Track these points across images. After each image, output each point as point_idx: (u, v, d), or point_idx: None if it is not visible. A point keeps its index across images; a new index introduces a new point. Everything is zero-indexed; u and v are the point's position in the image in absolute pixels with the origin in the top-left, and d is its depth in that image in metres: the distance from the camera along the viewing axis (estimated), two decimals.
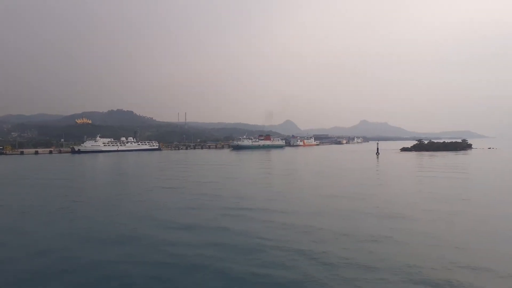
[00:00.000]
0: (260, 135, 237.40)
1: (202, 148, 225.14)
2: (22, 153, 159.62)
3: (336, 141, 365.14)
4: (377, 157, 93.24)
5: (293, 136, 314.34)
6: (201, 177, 49.42)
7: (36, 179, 49.73)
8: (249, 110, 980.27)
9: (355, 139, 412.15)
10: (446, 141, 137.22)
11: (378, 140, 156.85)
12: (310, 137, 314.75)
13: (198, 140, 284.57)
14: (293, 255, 15.61)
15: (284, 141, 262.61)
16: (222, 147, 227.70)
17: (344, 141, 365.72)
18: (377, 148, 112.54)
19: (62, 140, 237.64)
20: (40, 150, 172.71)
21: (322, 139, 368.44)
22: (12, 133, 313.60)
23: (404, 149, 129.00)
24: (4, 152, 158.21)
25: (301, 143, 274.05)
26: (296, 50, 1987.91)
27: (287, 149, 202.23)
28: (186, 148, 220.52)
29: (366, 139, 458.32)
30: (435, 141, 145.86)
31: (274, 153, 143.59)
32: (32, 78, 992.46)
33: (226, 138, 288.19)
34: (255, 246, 16.86)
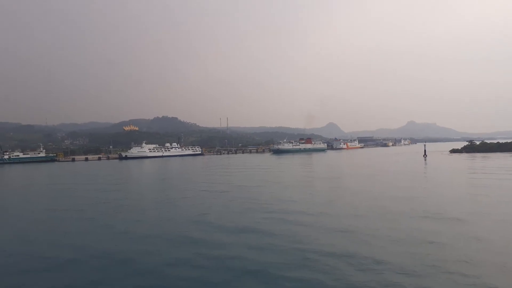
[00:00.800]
0: (301, 139, 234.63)
1: (243, 152, 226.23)
2: (73, 160, 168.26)
3: (382, 143, 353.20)
4: (425, 160, 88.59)
5: (335, 139, 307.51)
6: (243, 181, 49.18)
7: (90, 184, 52.25)
8: (290, 113, 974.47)
9: (402, 141, 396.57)
10: (500, 142, 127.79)
11: (426, 142, 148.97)
12: (354, 140, 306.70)
13: (240, 144, 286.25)
14: (343, 259, 15.35)
15: (326, 144, 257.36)
16: (263, 151, 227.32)
17: (390, 143, 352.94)
18: (424, 150, 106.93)
19: (111, 147, 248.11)
20: (89, 156, 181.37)
21: (367, 141, 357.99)
22: (65, 140, 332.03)
23: (454, 151, 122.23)
24: (57, 159, 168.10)
25: (344, 146, 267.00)
26: (334, 51, 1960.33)
27: (329, 152, 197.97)
28: (228, 153, 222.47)
29: (413, 141, 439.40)
30: (488, 141, 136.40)
31: (316, 156, 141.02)
32: (83, 87, 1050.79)
33: (267, 142, 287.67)
34: (300, 253, 16.41)
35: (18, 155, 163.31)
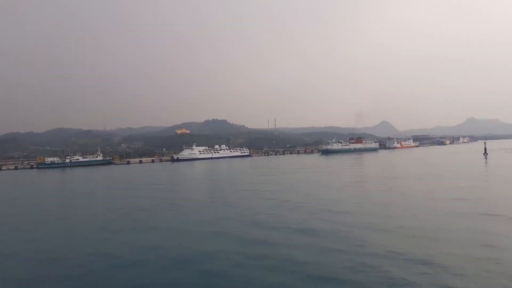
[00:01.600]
0: (351, 138, 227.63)
1: (291, 153, 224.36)
2: (128, 162, 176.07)
3: (438, 141, 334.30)
4: (485, 158, 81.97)
5: (388, 138, 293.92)
6: (290, 181, 48.17)
7: (146, 185, 54.59)
8: (340, 113, 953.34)
9: (461, 138, 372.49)
10: None
11: (488, 139, 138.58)
12: (408, 138, 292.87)
13: (287, 145, 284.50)
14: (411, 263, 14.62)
15: (377, 143, 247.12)
16: (312, 152, 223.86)
17: (448, 141, 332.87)
18: (485, 148, 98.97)
19: (164, 149, 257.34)
20: (143, 159, 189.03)
21: (422, 140, 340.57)
22: (122, 144, 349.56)
23: None
24: (114, 162, 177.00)
25: (398, 145, 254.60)
26: (386, 45, 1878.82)
27: (381, 152, 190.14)
28: (275, 154, 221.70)
29: (473, 139, 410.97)
30: None
31: (366, 156, 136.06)
32: (139, 92, 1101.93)
33: (316, 142, 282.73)
34: (364, 257, 15.65)
35: (78, 159, 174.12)
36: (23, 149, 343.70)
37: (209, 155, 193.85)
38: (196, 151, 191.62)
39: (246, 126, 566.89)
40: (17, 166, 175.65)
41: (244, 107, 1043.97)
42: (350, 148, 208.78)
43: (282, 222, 23.01)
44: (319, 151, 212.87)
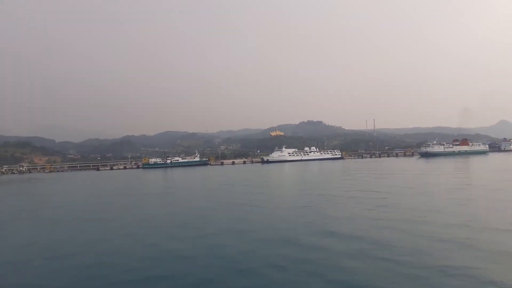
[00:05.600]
0: (455, 140, 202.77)
1: (388, 156, 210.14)
2: (222, 163, 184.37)
3: None
4: None
5: (504, 139, 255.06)
6: (378, 186, 43.74)
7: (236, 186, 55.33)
8: (448, 112, 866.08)
9: None
10: None
11: None
12: None
13: (386, 147, 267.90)
14: None
15: (487, 146, 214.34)
16: (412, 155, 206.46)
17: None
18: None
19: (258, 151, 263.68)
20: (236, 160, 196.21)
21: None
22: (221, 146, 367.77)
23: None
24: (209, 163, 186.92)
25: None
26: (495, 38, 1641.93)
27: (493, 155, 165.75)
28: (371, 156, 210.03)
29: None
30: None
31: (473, 160, 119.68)
32: (238, 96, 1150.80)
33: (418, 144, 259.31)
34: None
35: (177, 160, 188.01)
36: (136, 150, 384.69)
37: (299, 157, 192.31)
38: (286, 153, 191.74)
39: (342, 127, 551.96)
40: (125, 166, 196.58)
41: (341, 108, 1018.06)
42: (454, 151, 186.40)
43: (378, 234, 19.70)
44: (418, 153, 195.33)
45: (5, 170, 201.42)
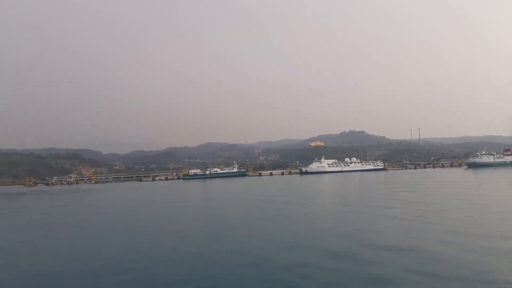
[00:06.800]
0: (506, 149, 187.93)
1: (433, 167, 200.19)
2: (260, 174, 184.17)
3: None
4: None
5: None
6: (425, 198, 41.30)
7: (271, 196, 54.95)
8: (501, 118, 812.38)
9: None
10: None
11: None
12: None
13: (432, 158, 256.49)
14: None
15: None
16: (459, 165, 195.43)
17: None
18: None
19: (297, 162, 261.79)
20: (274, 172, 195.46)
21: None
22: (260, 157, 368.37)
23: None
24: (247, 174, 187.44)
25: None
26: None
27: None
28: (415, 167, 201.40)
29: None
30: None
31: None
32: (277, 107, 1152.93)
33: (467, 154, 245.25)
34: None
35: (216, 171, 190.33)
36: (178, 161, 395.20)
37: (339, 168, 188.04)
38: (325, 164, 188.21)
39: (386, 137, 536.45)
40: (167, 177, 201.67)
41: (385, 116, 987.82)
42: (505, 161, 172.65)
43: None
44: (465, 164, 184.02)
45: (55, 181, 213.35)
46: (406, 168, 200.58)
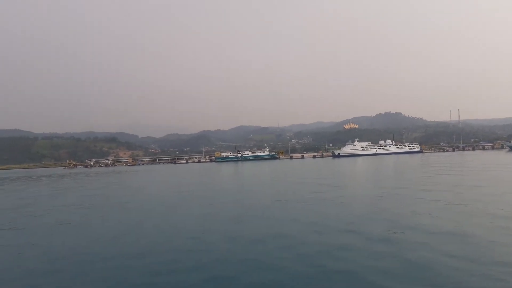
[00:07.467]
0: None
1: (473, 149, 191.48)
2: (291, 157, 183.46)
3: None
4: None
5: None
6: (465, 181, 39.02)
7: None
8: None
9: None
10: None
11: None
12: None
13: (471, 140, 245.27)
14: None
15: None
16: (501, 147, 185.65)
17: None
18: None
19: (330, 145, 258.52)
20: (305, 154, 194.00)
21: None
22: (292, 140, 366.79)
23: None
24: (278, 157, 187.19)
25: None
26: None
27: None
28: (453, 150, 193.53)
29: None
30: None
31: None
32: (311, 88, 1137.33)
33: (510, 136, 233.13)
34: None
35: (247, 154, 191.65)
36: (211, 144, 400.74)
37: (373, 151, 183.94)
38: (358, 147, 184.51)
39: (423, 118, 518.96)
40: (200, 160, 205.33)
41: (423, 97, 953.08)
42: None
43: None
44: (507, 146, 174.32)
45: (93, 163, 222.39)
46: (443, 151, 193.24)
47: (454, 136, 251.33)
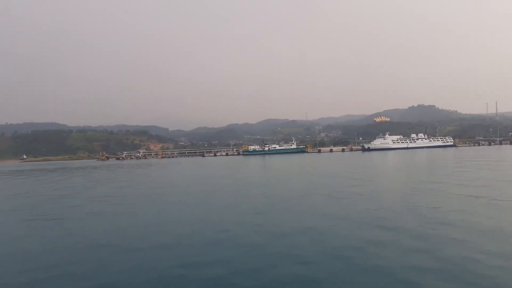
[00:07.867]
0: None
1: (511, 143, 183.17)
2: (319, 151, 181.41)
3: None
4: None
5: None
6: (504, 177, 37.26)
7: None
8: None
9: None
10: None
11: None
12: None
13: (510, 134, 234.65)
14: None
15: None
16: None
17: None
18: None
19: (361, 138, 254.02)
20: (334, 148, 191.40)
21: None
22: (321, 133, 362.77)
23: None
24: (306, 150, 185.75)
25: None
26: None
27: None
28: (489, 144, 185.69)
29: None
30: None
31: None
32: (341, 80, 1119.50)
33: None
34: None
35: (275, 147, 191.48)
36: (239, 137, 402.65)
37: (404, 145, 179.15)
38: (389, 140, 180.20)
39: (458, 111, 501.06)
40: (227, 153, 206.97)
41: (458, 89, 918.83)
42: None
43: None
44: None
45: (125, 155, 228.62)
46: (479, 145, 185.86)
47: (490, 129, 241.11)
